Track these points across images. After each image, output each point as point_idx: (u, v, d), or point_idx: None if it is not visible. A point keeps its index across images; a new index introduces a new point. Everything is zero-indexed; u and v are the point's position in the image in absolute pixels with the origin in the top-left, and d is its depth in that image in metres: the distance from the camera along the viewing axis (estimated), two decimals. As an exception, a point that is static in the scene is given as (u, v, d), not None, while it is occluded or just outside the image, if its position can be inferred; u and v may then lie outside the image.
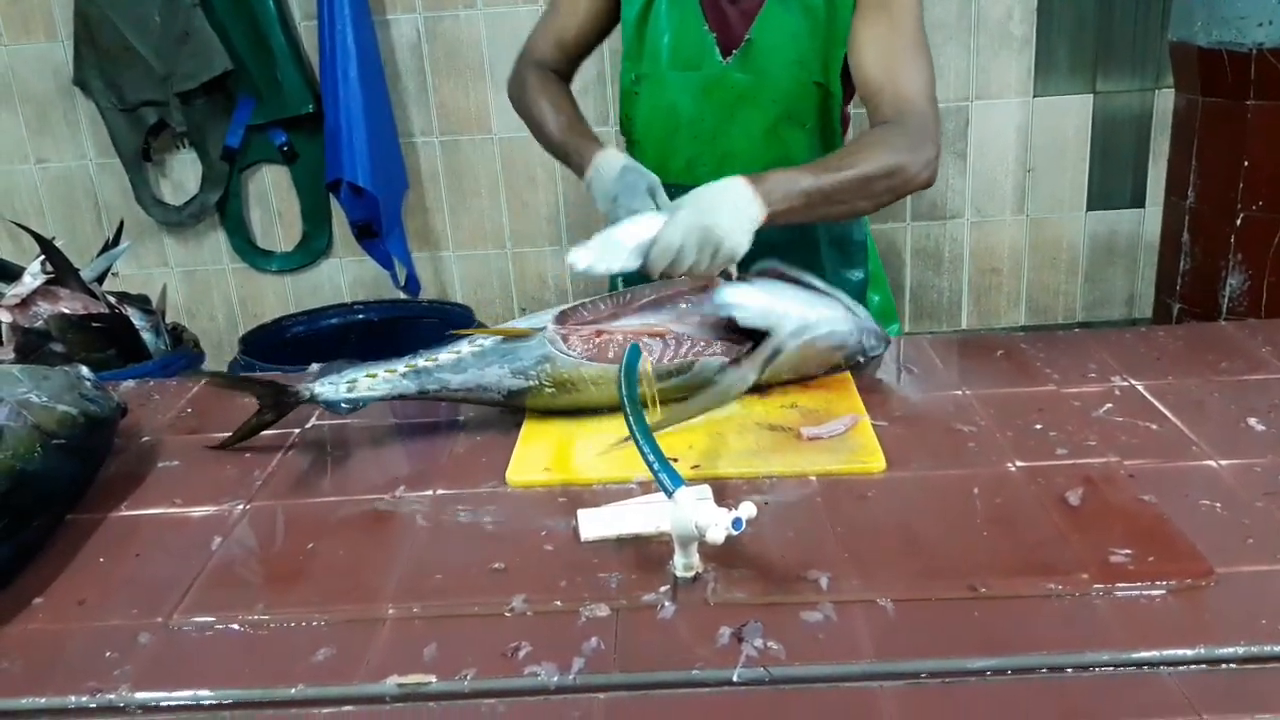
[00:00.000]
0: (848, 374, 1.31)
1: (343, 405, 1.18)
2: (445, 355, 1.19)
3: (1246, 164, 2.23)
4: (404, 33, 2.94)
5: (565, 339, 1.19)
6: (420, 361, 1.19)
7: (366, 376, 1.18)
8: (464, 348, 1.19)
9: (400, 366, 1.19)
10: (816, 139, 1.49)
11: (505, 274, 3.17)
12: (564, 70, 1.58)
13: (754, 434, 1.16)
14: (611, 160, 1.39)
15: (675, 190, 1.38)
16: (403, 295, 3.04)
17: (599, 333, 1.21)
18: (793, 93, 1.44)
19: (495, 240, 3.13)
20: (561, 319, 1.22)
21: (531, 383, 1.18)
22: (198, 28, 2.80)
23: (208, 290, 3.24)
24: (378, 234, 2.91)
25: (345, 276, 3.21)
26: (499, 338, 1.19)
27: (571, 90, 1.57)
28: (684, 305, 1.25)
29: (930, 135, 1.34)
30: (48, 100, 3.03)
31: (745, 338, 1.23)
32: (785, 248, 1.32)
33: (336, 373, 1.19)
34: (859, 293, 1.58)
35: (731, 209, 1.21)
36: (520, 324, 1.22)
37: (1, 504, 0.96)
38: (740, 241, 1.22)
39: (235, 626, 0.88)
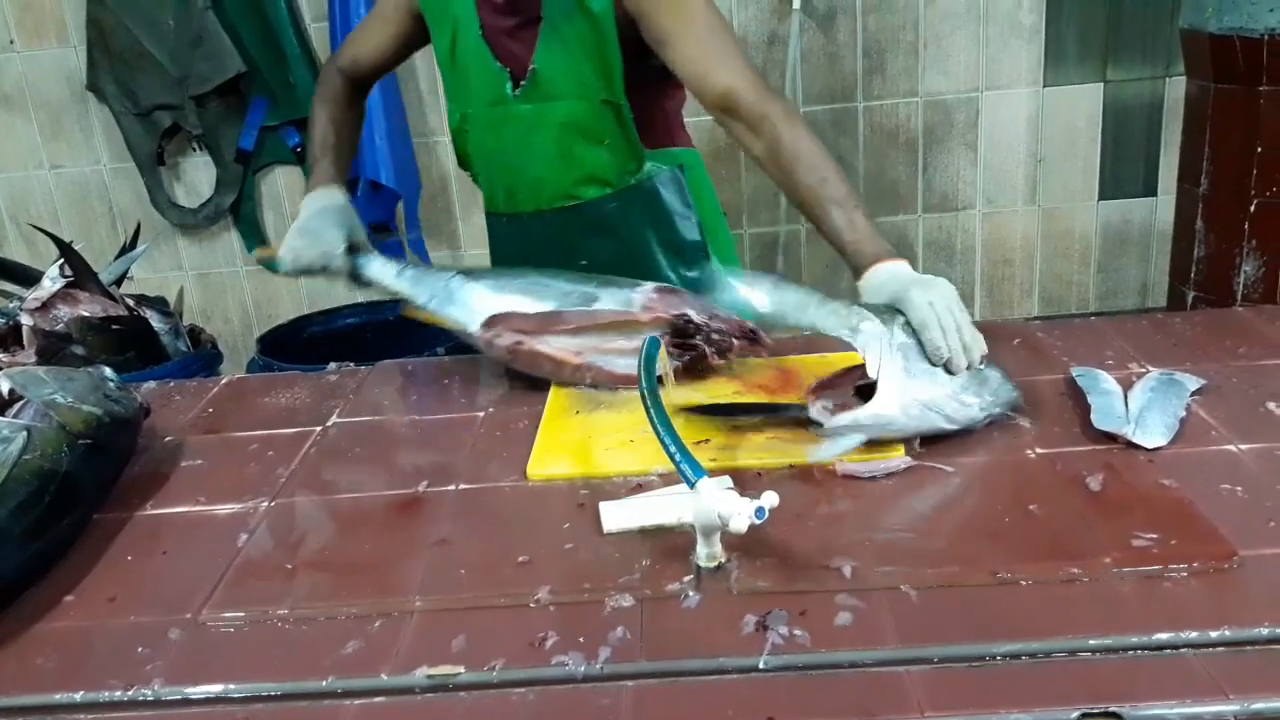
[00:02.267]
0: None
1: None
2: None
3: (1260, 150, 2.22)
4: (413, 33, 2.95)
5: (489, 345, 1.31)
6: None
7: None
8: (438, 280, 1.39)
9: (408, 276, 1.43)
10: (621, 153, 1.48)
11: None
12: (361, 84, 1.65)
13: (772, 424, 1.17)
14: (309, 202, 1.51)
15: (506, 221, 1.57)
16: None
17: (520, 344, 1.30)
18: (581, 114, 1.45)
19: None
20: (489, 324, 1.31)
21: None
22: (211, 31, 2.82)
23: (222, 292, 3.25)
24: (393, 232, 2.92)
25: (359, 277, 3.22)
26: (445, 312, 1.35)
27: (359, 104, 1.66)
28: (609, 338, 1.29)
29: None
30: (61, 106, 3.05)
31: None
32: (614, 263, 1.40)
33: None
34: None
35: (933, 290, 1.14)
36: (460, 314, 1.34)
37: (31, 502, 0.97)
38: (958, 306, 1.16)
39: (264, 621, 0.89)
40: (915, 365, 1.09)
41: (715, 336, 1.28)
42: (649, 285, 1.32)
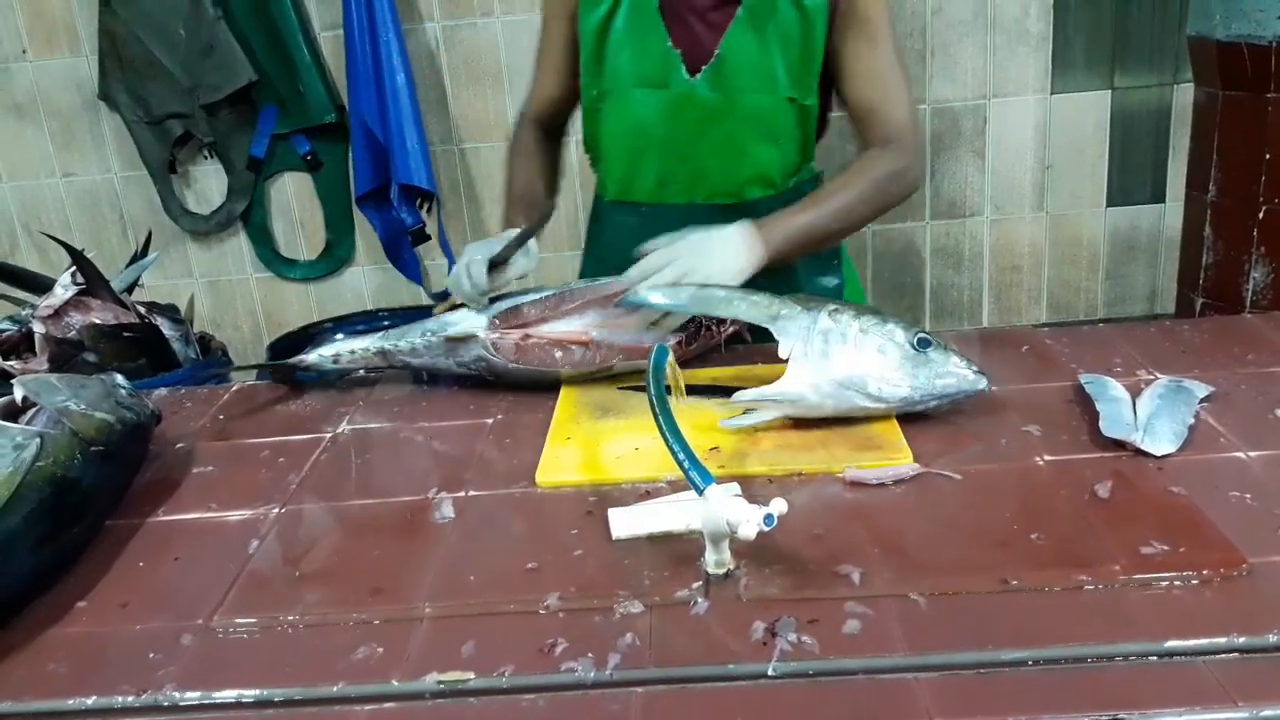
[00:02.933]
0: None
1: (329, 366, 1.42)
2: (405, 344, 1.38)
3: (1268, 157, 2.22)
4: (422, 41, 2.96)
5: (496, 346, 1.33)
6: (387, 345, 1.39)
7: (349, 352, 1.40)
8: (418, 340, 1.37)
9: (372, 346, 1.39)
10: (791, 154, 1.48)
11: (525, 279, 3.18)
12: (556, 118, 1.62)
13: (779, 432, 1.17)
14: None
15: (644, 210, 1.50)
16: (427, 302, 3.07)
17: (526, 337, 1.31)
18: (765, 109, 1.42)
19: (515, 246, 3.14)
20: (495, 322, 1.34)
21: (474, 372, 1.36)
22: (222, 40, 2.84)
23: (232, 299, 3.27)
24: (428, 238, 2.93)
25: (368, 285, 3.23)
26: (446, 332, 1.36)
27: (555, 149, 1.63)
28: (612, 310, 1.32)
29: (913, 153, 1.44)
30: (73, 115, 3.07)
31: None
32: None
33: (325, 345, 1.43)
34: (835, 295, 1.59)
35: (722, 259, 1.29)
36: (464, 318, 1.36)
37: (43, 509, 0.98)
38: (728, 272, 1.30)
39: (275, 627, 0.90)
40: (836, 348, 1.15)
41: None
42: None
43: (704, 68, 1.40)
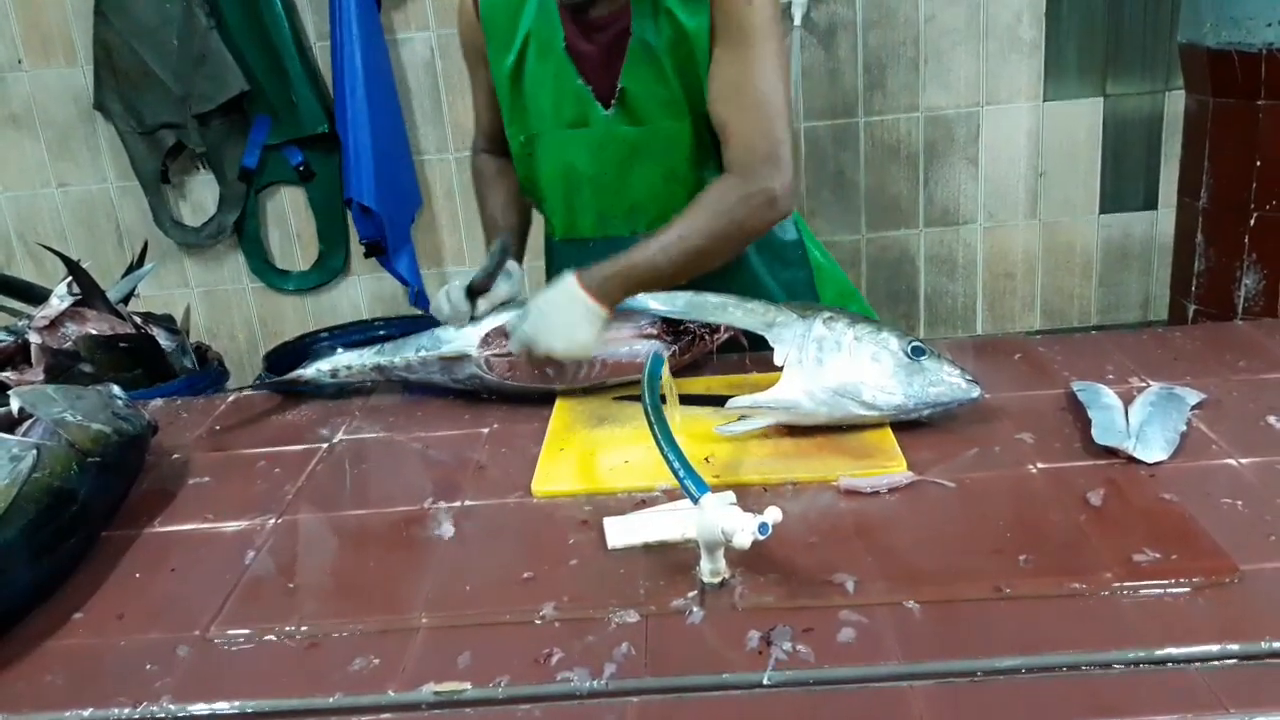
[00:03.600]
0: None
1: (327, 380, 1.43)
2: (400, 359, 1.40)
3: (1259, 164, 2.23)
4: (417, 51, 2.97)
5: (490, 363, 1.34)
6: (383, 360, 1.41)
7: (345, 367, 1.42)
8: (413, 356, 1.39)
9: (369, 361, 1.41)
10: (720, 171, 1.40)
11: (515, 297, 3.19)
12: (505, 150, 1.55)
13: (774, 440, 1.18)
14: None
15: (592, 246, 1.45)
16: (419, 310, 3.07)
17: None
18: (681, 134, 1.38)
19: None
20: (487, 340, 1.35)
21: (469, 387, 1.38)
22: (214, 50, 2.84)
23: (227, 310, 3.27)
24: (385, 252, 2.95)
25: (363, 294, 3.23)
26: (440, 351, 1.38)
27: (512, 171, 1.56)
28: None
29: (768, 177, 1.31)
30: (68, 125, 3.07)
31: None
32: (718, 278, 1.34)
33: (323, 359, 1.44)
34: (805, 290, 1.56)
35: (564, 326, 1.28)
36: (458, 336, 1.38)
37: (40, 521, 0.98)
38: (574, 347, 1.29)
39: (271, 638, 0.90)
40: (831, 356, 1.16)
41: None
42: None
43: (613, 101, 1.38)
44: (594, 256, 1.39)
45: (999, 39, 2.95)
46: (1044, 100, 3.01)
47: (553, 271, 1.59)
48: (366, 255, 3.00)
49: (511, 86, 1.44)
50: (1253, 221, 2.26)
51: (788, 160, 1.32)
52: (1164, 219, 3.04)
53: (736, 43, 1.30)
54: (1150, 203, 3.09)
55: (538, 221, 1.61)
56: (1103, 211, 3.11)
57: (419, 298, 3.05)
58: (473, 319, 1.38)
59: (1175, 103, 2.90)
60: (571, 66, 1.38)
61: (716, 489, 0.94)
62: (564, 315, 1.28)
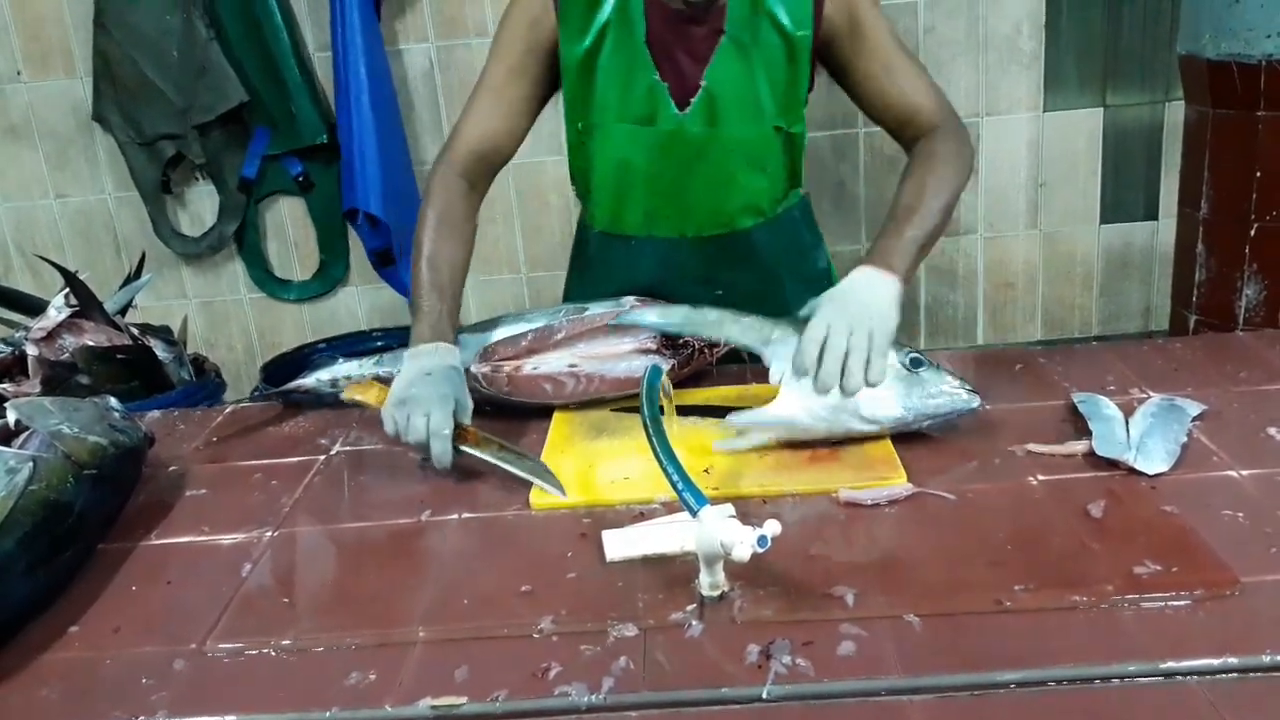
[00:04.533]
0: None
1: (327, 390, 1.42)
2: (399, 370, 1.30)
3: (1259, 174, 2.23)
4: (417, 61, 2.97)
5: (488, 379, 1.32)
6: (381, 371, 1.39)
7: (345, 377, 1.41)
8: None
9: (368, 371, 1.40)
10: (780, 182, 1.46)
11: (520, 297, 3.19)
12: (484, 173, 1.44)
13: (773, 452, 1.17)
14: (413, 361, 1.24)
15: (634, 244, 1.46)
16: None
17: (518, 369, 1.31)
18: (752, 140, 1.39)
19: (510, 265, 3.15)
20: (485, 355, 1.34)
21: (472, 400, 1.27)
22: (214, 61, 2.84)
23: (226, 320, 3.26)
24: (395, 261, 2.94)
25: (362, 305, 3.23)
26: None
27: (474, 215, 1.42)
28: (601, 341, 1.33)
29: (962, 128, 1.40)
30: (67, 136, 3.08)
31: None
32: (752, 295, 1.36)
33: (322, 369, 1.44)
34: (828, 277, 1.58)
35: (881, 315, 1.16)
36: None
37: (36, 533, 0.97)
38: (889, 324, 1.16)
39: (268, 651, 0.89)
40: None
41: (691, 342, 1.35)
42: (629, 297, 1.37)
43: (692, 101, 1.36)
44: (632, 254, 1.46)
45: (998, 50, 2.95)
46: (1044, 111, 3.01)
47: (586, 262, 1.55)
48: (378, 265, 2.98)
49: (580, 74, 1.38)
50: (1253, 232, 2.26)
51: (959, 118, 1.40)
52: (1165, 229, 3.04)
53: (876, 39, 1.36)
54: (1151, 213, 3.09)
55: (559, 211, 1.57)
56: (1103, 222, 3.11)
57: None
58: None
59: (1175, 113, 2.91)
60: (650, 61, 1.35)
61: (715, 501, 0.94)
62: (874, 296, 1.17)
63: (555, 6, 1.36)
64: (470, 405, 1.21)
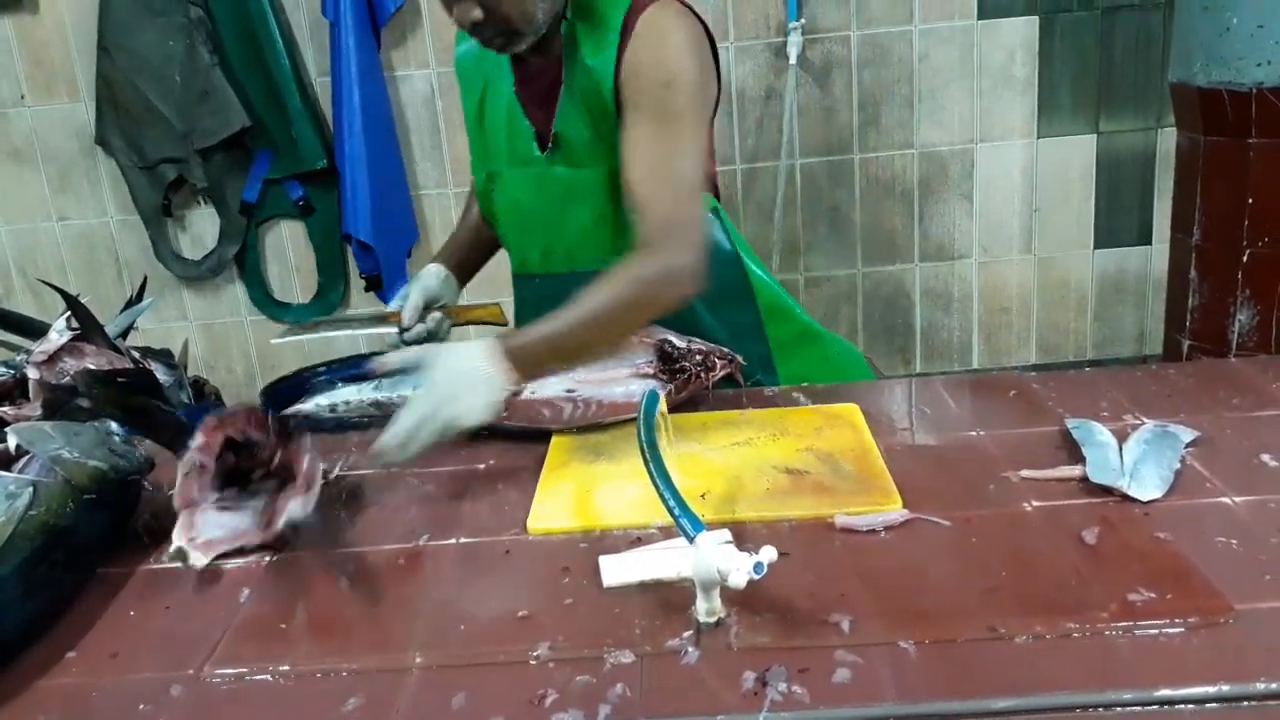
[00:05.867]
0: (860, 417, 1.32)
1: (326, 415, 1.46)
2: (398, 395, 1.40)
3: (1251, 201, 2.25)
4: (417, 88, 3.00)
5: None
6: (380, 396, 1.43)
7: (344, 402, 1.44)
8: (409, 392, 1.37)
9: (367, 396, 1.44)
10: None
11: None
12: None
13: (769, 477, 1.18)
14: (421, 274, 1.60)
15: (539, 282, 1.54)
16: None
17: (515, 394, 1.25)
18: (604, 182, 1.40)
19: (506, 287, 3.15)
20: None
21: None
22: (216, 86, 2.87)
23: (226, 343, 3.28)
24: (383, 287, 2.97)
25: (362, 328, 3.24)
26: None
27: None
28: (598, 369, 1.33)
29: (680, 249, 1.28)
30: (70, 159, 3.10)
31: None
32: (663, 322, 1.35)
33: (321, 394, 1.48)
34: (753, 331, 1.57)
35: (471, 393, 1.18)
36: None
37: (35, 558, 0.98)
38: (475, 419, 1.19)
39: (266, 677, 0.90)
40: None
41: (698, 357, 1.37)
42: None
43: (549, 145, 1.43)
44: (538, 292, 1.53)
45: (992, 77, 2.99)
46: (1037, 137, 3.04)
47: (522, 306, 1.66)
48: (367, 289, 3.03)
49: (476, 127, 1.52)
50: (1245, 258, 2.28)
51: (699, 240, 1.30)
52: (1158, 254, 3.06)
53: (653, 120, 1.31)
54: (1144, 238, 3.12)
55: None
56: (1097, 246, 3.14)
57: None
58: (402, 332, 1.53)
59: (1168, 139, 2.94)
60: (520, 109, 1.45)
61: (712, 526, 0.94)
62: (471, 380, 1.19)
63: (455, 69, 1.55)
64: (414, 301, 1.53)
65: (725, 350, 1.41)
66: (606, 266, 1.32)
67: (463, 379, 1.19)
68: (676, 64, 1.31)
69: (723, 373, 1.39)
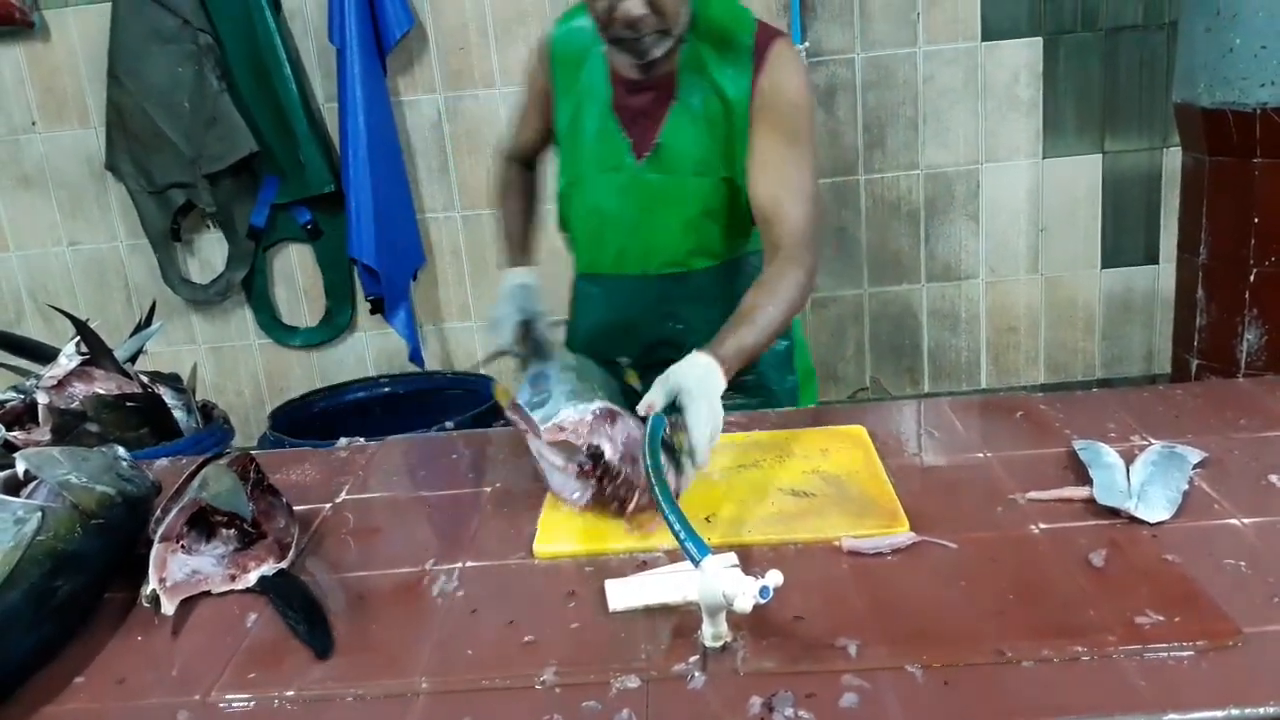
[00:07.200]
0: (867, 439, 1.32)
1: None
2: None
3: (1256, 220, 2.25)
4: (425, 113, 3.02)
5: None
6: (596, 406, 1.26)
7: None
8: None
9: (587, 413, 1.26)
10: (731, 228, 1.56)
11: (524, 343, 3.21)
12: (533, 159, 1.79)
13: (776, 500, 1.18)
14: (505, 283, 1.66)
15: (606, 282, 1.64)
16: (427, 367, 3.10)
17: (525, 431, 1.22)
18: (704, 189, 1.53)
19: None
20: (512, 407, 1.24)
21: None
22: (225, 112, 2.90)
23: (235, 366, 3.29)
24: (385, 310, 2.99)
25: (369, 350, 3.25)
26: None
27: (533, 178, 1.81)
28: (550, 450, 1.21)
29: (812, 258, 1.44)
30: (80, 185, 3.12)
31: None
32: (708, 330, 1.35)
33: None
34: (783, 361, 1.68)
35: (717, 401, 1.23)
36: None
37: (43, 584, 0.98)
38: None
39: (272, 703, 0.90)
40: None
41: (619, 480, 1.17)
42: (599, 404, 1.25)
43: (647, 154, 1.53)
44: (607, 291, 1.64)
45: (997, 98, 2.99)
46: (1043, 157, 3.04)
47: (573, 303, 1.77)
48: (372, 312, 3.04)
49: (567, 136, 1.61)
50: (1252, 277, 2.27)
51: (819, 249, 1.47)
52: (1165, 273, 3.05)
53: (786, 137, 1.47)
54: (1151, 257, 3.11)
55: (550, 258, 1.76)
56: (1104, 266, 3.13)
57: (414, 355, 3.08)
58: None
59: (1173, 159, 2.94)
60: (615, 121, 1.55)
61: (718, 549, 0.94)
62: (714, 383, 1.24)
63: (550, 80, 1.62)
64: (540, 306, 1.61)
65: (646, 485, 1.13)
66: (676, 270, 1.58)
67: (712, 389, 1.25)
68: (804, 93, 1.49)
69: (634, 507, 1.17)
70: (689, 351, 1.26)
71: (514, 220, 1.77)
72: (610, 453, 1.17)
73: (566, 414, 1.21)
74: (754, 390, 1.63)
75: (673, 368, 1.25)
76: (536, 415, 1.26)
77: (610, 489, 1.17)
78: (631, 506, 1.16)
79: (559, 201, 1.66)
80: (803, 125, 1.48)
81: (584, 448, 1.18)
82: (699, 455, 1.15)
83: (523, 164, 1.79)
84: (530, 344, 1.59)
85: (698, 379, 1.23)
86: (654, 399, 1.23)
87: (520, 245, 1.75)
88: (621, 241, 1.60)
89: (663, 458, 1.10)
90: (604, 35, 1.46)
